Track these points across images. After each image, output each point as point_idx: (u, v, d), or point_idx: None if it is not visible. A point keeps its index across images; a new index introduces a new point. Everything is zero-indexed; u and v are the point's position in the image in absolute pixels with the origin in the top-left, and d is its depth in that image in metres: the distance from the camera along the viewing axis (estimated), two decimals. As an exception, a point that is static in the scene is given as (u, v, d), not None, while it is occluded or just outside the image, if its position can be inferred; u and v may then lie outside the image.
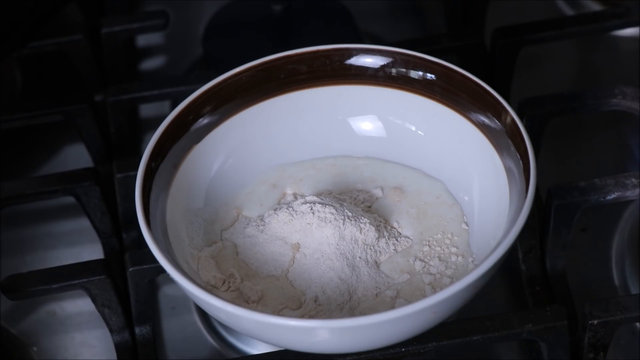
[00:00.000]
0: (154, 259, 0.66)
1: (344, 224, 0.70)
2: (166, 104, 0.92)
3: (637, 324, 0.76)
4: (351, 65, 0.77)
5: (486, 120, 0.72)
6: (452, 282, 0.69)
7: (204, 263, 0.71)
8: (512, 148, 0.70)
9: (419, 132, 0.77)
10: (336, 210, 0.71)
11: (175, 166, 0.73)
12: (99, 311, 0.74)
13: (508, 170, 0.70)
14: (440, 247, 0.72)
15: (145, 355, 0.74)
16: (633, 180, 0.75)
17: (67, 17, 0.96)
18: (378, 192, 0.76)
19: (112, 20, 0.91)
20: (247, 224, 0.74)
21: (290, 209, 0.71)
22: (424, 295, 0.69)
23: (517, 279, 0.77)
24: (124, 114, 0.86)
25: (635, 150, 0.87)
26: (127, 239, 0.80)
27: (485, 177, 0.72)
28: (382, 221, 0.73)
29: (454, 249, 0.72)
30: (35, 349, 0.79)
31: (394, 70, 0.76)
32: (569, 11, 0.99)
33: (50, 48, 0.90)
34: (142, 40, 0.99)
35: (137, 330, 0.74)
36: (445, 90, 0.74)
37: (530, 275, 0.76)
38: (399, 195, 0.75)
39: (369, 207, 0.75)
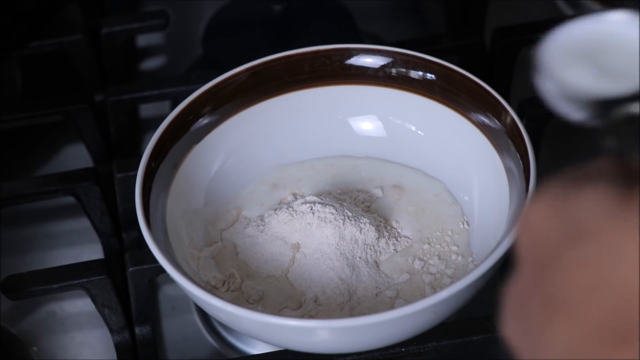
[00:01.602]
0: (154, 259, 0.66)
1: (344, 224, 0.70)
2: (166, 104, 0.92)
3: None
4: (351, 65, 0.77)
5: (486, 120, 0.72)
6: (452, 282, 0.69)
7: (204, 263, 0.71)
8: (512, 148, 0.70)
9: (419, 132, 0.77)
10: (336, 210, 0.71)
11: (175, 166, 0.73)
12: (99, 311, 0.74)
13: (508, 170, 0.70)
14: (440, 245, 0.72)
15: (145, 355, 0.74)
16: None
17: (67, 17, 0.96)
18: (378, 192, 0.76)
19: (112, 20, 0.91)
20: (247, 224, 0.74)
21: (290, 209, 0.71)
22: (423, 295, 0.69)
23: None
24: (124, 114, 0.86)
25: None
26: (127, 239, 0.80)
27: (485, 177, 0.72)
28: (382, 221, 0.73)
29: (454, 247, 0.72)
30: (35, 349, 0.79)
31: (394, 70, 0.76)
32: (569, 11, 0.99)
33: (50, 48, 0.90)
34: (142, 40, 0.99)
35: (137, 330, 0.74)
36: (445, 90, 0.74)
37: (530, 275, 0.76)
38: (398, 194, 0.75)
39: (368, 207, 0.75)
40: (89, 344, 0.79)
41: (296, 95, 0.77)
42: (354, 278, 0.70)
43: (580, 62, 0.51)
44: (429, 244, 0.72)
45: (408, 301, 0.68)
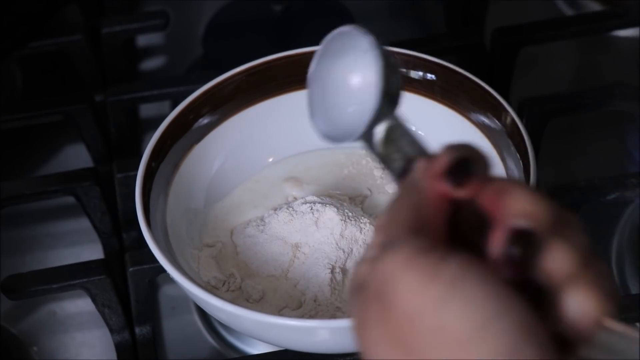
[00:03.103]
0: (154, 259, 0.66)
1: (344, 224, 0.70)
2: (166, 104, 0.92)
3: (637, 323, 0.76)
4: (351, 65, 0.76)
5: (486, 121, 0.72)
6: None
7: (204, 263, 0.71)
8: (512, 148, 0.70)
9: (419, 132, 0.76)
10: (336, 210, 0.71)
11: (176, 166, 0.73)
12: (99, 311, 0.74)
13: (508, 170, 0.70)
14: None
15: (145, 355, 0.74)
16: (633, 180, 0.74)
17: (67, 17, 0.96)
18: (366, 192, 0.75)
19: (112, 20, 0.91)
20: (247, 223, 0.74)
21: (290, 209, 0.71)
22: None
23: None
24: (124, 114, 0.86)
25: (635, 150, 0.87)
26: (127, 239, 0.80)
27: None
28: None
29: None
30: (35, 349, 0.79)
31: (394, 70, 0.76)
32: (569, 11, 0.98)
33: (50, 48, 0.90)
34: (142, 40, 0.99)
35: (137, 330, 0.74)
36: (445, 90, 0.74)
37: (530, 275, 0.76)
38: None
39: (361, 203, 0.75)
40: (89, 344, 0.79)
41: (296, 95, 0.77)
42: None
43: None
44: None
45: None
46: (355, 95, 0.53)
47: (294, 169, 0.77)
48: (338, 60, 0.54)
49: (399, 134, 0.51)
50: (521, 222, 0.43)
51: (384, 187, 0.75)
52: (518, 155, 0.69)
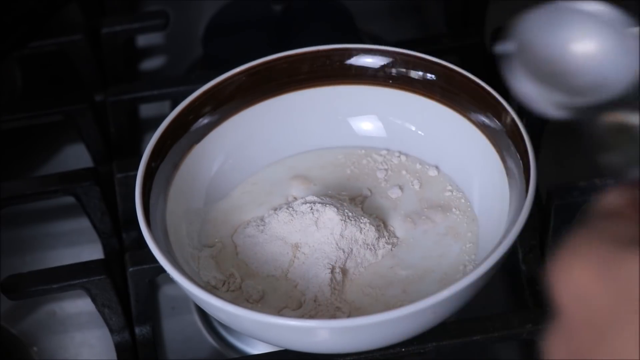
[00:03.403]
0: (154, 259, 0.66)
1: (344, 224, 0.70)
2: (166, 104, 0.92)
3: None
4: (351, 65, 0.77)
5: (486, 121, 0.72)
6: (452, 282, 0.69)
7: (204, 263, 0.71)
8: (512, 148, 0.70)
9: (419, 132, 0.77)
10: (336, 210, 0.71)
11: (176, 166, 0.73)
12: (99, 311, 0.74)
13: (508, 170, 0.70)
14: (440, 247, 0.72)
15: (145, 355, 0.74)
16: (633, 180, 0.74)
17: (67, 17, 0.96)
18: (367, 192, 0.75)
19: (112, 20, 0.91)
20: (247, 224, 0.74)
21: (290, 209, 0.71)
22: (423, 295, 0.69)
23: (517, 279, 0.77)
24: (124, 114, 0.86)
25: (635, 150, 0.87)
26: (127, 239, 0.80)
27: (485, 177, 0.72)
28: (380, 222, 0.73)
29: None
30: (35, 349, 0.79)
31: (394, 70, 0.76)
32: (569, 11, 0.98)
33: (50, 48, 0.90)
34: (142, 40, 0.99)
35: (137, 330, 0.74)
36: (445, 90, 0.74)
37: (530, 275, 0.76)
38: (397, 194, 0.75)
39: (361, 203, 0.75)
40: (89, 344, 0.79)
41: (296, 95, 0.77)
42: (354, 278, 0.70)
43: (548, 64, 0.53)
44: (429, 244, 0.72)
45: (408, 301, 0.68)
46: (597, 69, 0.51)
47: (295, 169, 0.77)
48: (582, 33, 0.52)
49: None
50: None
51: (385, 190, 0.75)
52: (518, 155, 0.69)
